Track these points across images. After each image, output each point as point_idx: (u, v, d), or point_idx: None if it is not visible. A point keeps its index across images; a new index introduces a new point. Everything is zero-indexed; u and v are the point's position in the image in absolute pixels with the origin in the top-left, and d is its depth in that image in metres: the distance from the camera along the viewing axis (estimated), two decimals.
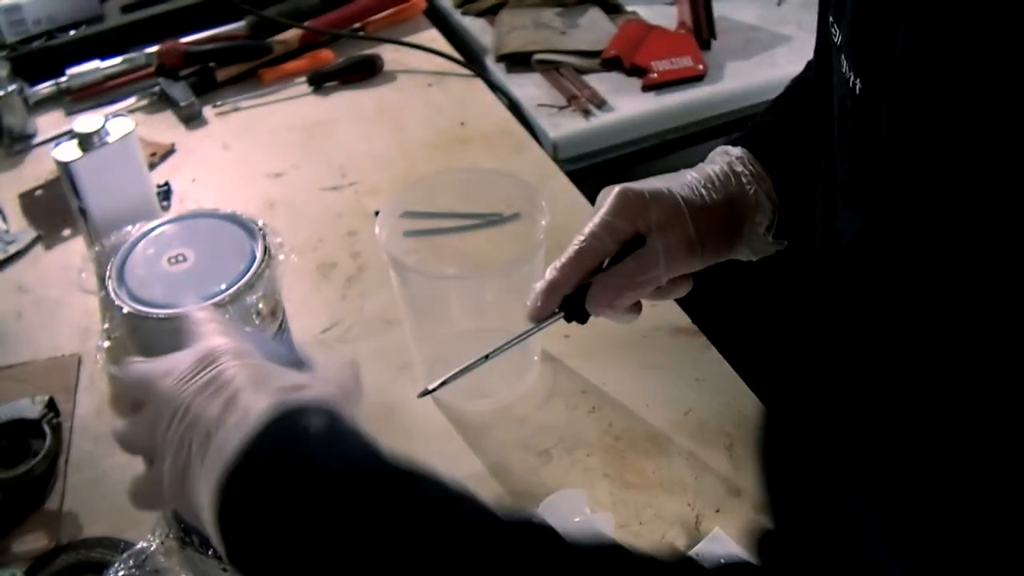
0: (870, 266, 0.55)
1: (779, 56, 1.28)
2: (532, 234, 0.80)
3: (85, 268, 0.83)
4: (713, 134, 1.22)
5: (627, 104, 1.20)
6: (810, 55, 0.71)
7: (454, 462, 0.78)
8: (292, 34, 1.30)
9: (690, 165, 0.73)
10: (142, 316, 0.65)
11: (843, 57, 0.54)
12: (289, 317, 0.76)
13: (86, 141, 0.88)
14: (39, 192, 1.10)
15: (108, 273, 0.70)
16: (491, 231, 0.86)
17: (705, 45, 1.29)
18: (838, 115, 0.58)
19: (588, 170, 1.18)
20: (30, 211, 1.08)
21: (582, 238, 0.67)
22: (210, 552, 0.61)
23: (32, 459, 0.76)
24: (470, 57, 1.33)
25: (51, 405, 0.81)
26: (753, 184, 0.70)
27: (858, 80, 0.52)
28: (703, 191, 0.69)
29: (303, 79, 1.28)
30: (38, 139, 1.19)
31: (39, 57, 1.26)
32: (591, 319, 0.69)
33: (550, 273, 0.68)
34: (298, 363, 0.54)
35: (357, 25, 1.35)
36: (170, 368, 0.50)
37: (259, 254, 0.70)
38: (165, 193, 1.08)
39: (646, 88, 1.22)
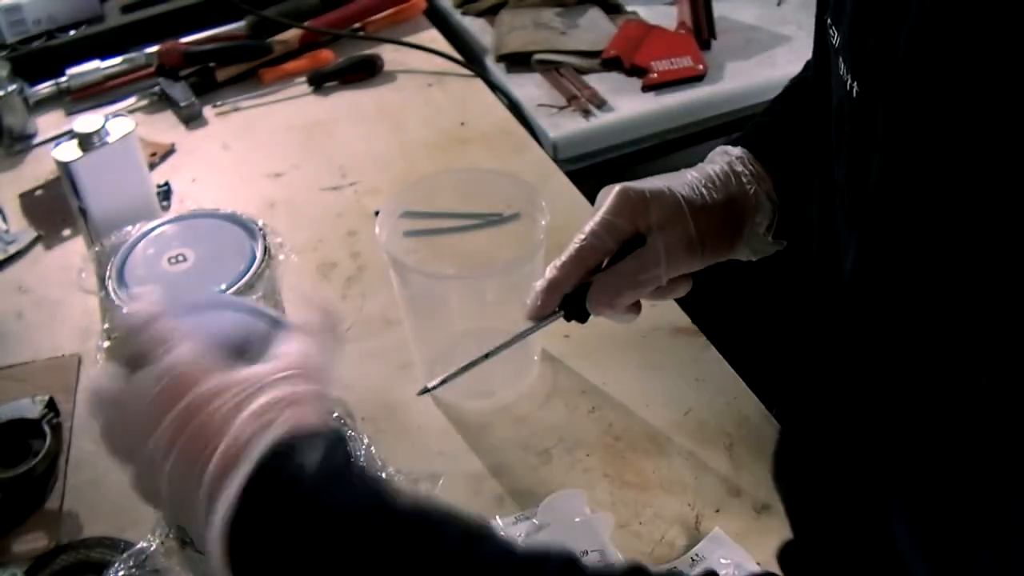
0: (869, 266, 0.55)
1: (779, 56, 1.28)
2: (532, 234, 0.80)
3: (85, 268, 0.83)
4: (713, 134, 1.22)
5: (627, 104, 1.20)
6: (810, 55, 0.71)
7: (454, 462, 0.78)
8: (292, 34, 1.30)
9: (690, 165, 0.73)
10: None
11: (841, 60, 0.54)
12: (289, 317, 0.76)
13: (86, 141, 0.88)
14: (39, 192, 1.10)
15: (108, 273, 0.70)
16: (491, 231, 0.86)
17: (705, 45, 1.29)
18: (835, 117, 0.58)
19: (588, 170, 1.18)
20: (30, 211, 1.08)
21: (582, 237, 0.67)
22: None
23: (32, 459, 0.76)
24: (470, 57, 1.33)
25: (51, 405, 0.81)
26: (753, 184, 0.70)
27: (856, 83, 0.52)
28: (703, 191, 0.69)
29: (303, 79, 1.28)
30: (38, 139, 1.19)
31: (39, 57, 1.26)
32: (591, 319, 0.69)
33: (550, 272, 0.68)
34: (274, 323, 0.54)
35: (357, 25, 1.35)
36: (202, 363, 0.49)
37: (259, 254, 0.70)
38: (165, 193, 1.08)
39: (646, 88, 1.22)
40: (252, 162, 1.15)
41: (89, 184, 0.88)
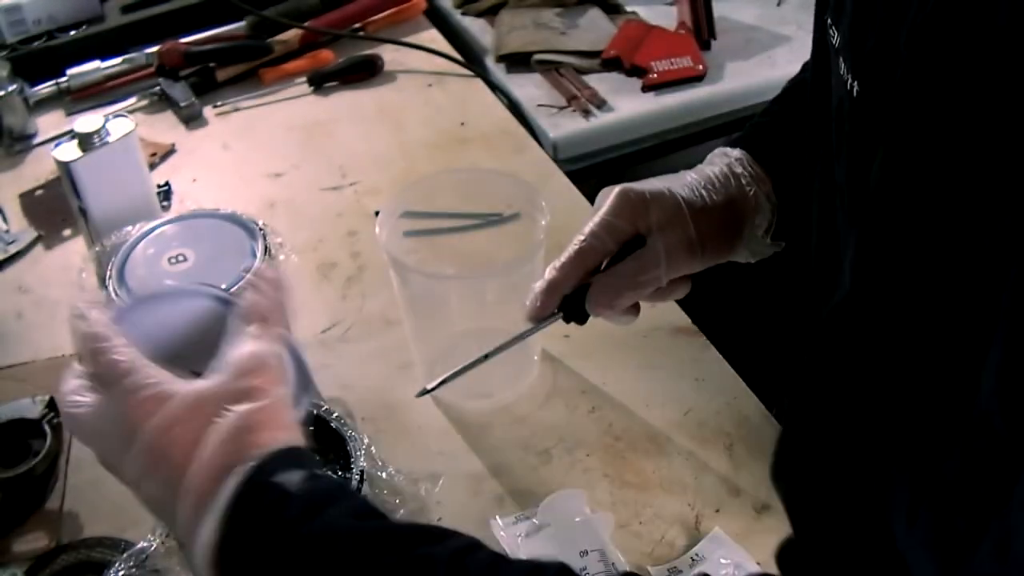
0: (868, 266, 0.55)
1: (779, 56, 1.28)
2: (532, 234, 0.80)
3: (85, 268, 0.83)
4: (713, 134, 1.22)
5: (627, 104, 1.20)
6: (809, 55, 0.71)
7: (454, 462, 0.78)
8: (292, 34, 1.30)
9: (690, 165, 0.73)
10: None
11: (841, 60, 0.54)
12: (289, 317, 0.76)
13: (86, 141, 0.88)
14: (39, 192, 1.10)
15: (108, 273, 0.70)
16: (491, 231, 0.86)
17: (705, 45, 1.29)
18: (836, 117, 0.58)
19: (588, 170, 1.18)
20: (30, 211, 1.08)
21: (582, 238, 0.67)
22: None
23: (33, 459, 0.76)
24: (470, 57, 1.33)
25: (51, 405, 0.81)
26: (753, 185, 0.70)
27: (856, 82, 0.52)
28: (703, 192, 0.69)
29: (303, 79, 1.28)
30: (38, 139, 1.19)
31: (39, 57, 1.26)
32: (591, 319, 0.69)
33: (549, 273, 0.68)
34: (226, 303, 0.54)
35: (357, 25, 1.35)
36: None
37: (259, 254, 0.70)
38: (165, 193, 1.08)
39: (646, 88, 1.22)
40: (252, 162, 1.15)
41: (89, 184, 0.88)
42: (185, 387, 0.49)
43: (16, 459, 0.76)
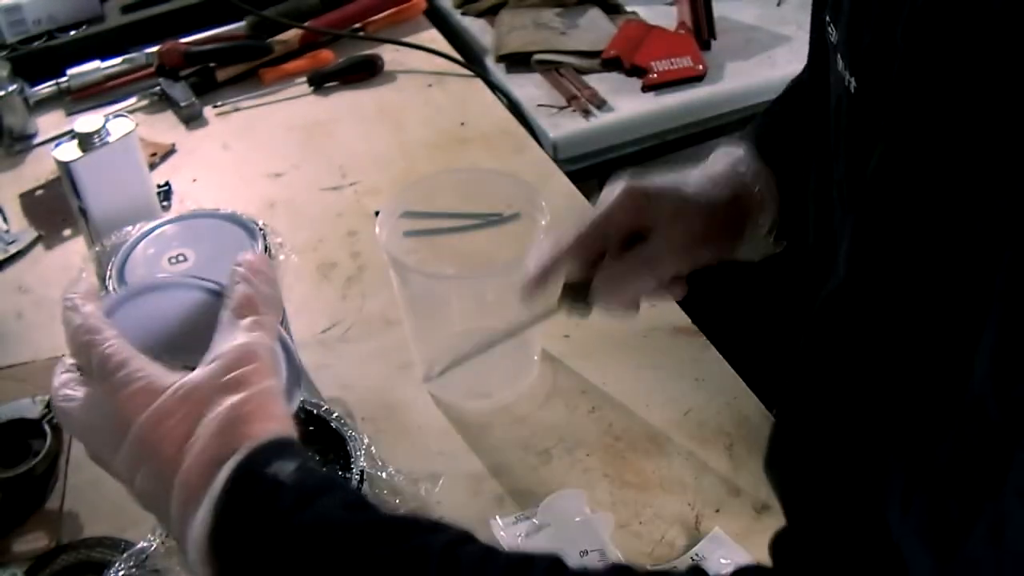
0: (863, 253, 0.55)
1: (779, 56, 1.28)
2: (532, 234, 0.80)
3: (85, 268, 0.83)
4: (713, 134, 1.22)
5: (627, 104, 1.20)
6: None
7: (454, 462, 0.78)
8: (292, 34, 1.30)
9: (690, 166, 0.73)
10: None
11: (839, 57, 0.54)
12: (289, 317, 0.76)
13: (86, 141, 0.88)
14: (39, 192, 1.10)
15: (108, 273, 0.70)
16: (491, 231, 0.86)
17: (705, 45, 1.29)
18: (834, 114, 0.58)
19: (588, 170, 1.18)
20: (30, 211, 1.08)
21: (585, 225, 0.67)
22: None
23: (33, 459, 0.76)
24: (470, 57, 1.33)
25: (51, 405, 0.81)
26: (756, 184, 0.70)
27: (853, 79, 0.52)
28: (707, 189, 0.69)
29: (303, 79, 1.28)
30: (38, 139, 1.19)
31: (39, 57, 1.26)
32: (590, 320, 0.69)
33: (551, 249, 0.68)
34: (215, 294, 0.55)
35: (357, 25, 1.35)
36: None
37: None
38: (165, 193, 1.08)
39: (646, 88, 1.22)
40: (252, 162, 1.15)
41: (89, 184, 0.88)
42: (176, 380, 0.48)
43: (16, 459, 0.76)
